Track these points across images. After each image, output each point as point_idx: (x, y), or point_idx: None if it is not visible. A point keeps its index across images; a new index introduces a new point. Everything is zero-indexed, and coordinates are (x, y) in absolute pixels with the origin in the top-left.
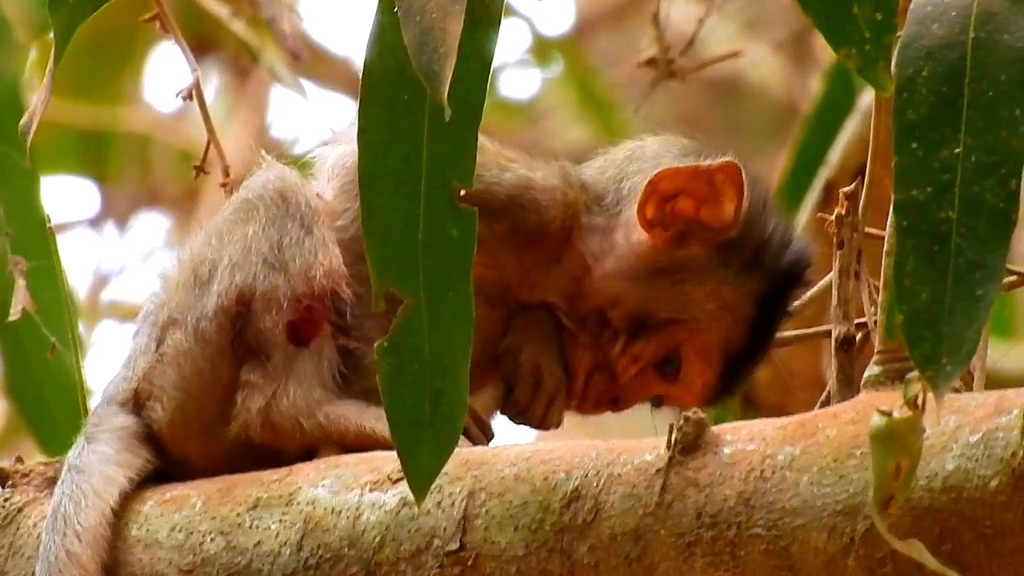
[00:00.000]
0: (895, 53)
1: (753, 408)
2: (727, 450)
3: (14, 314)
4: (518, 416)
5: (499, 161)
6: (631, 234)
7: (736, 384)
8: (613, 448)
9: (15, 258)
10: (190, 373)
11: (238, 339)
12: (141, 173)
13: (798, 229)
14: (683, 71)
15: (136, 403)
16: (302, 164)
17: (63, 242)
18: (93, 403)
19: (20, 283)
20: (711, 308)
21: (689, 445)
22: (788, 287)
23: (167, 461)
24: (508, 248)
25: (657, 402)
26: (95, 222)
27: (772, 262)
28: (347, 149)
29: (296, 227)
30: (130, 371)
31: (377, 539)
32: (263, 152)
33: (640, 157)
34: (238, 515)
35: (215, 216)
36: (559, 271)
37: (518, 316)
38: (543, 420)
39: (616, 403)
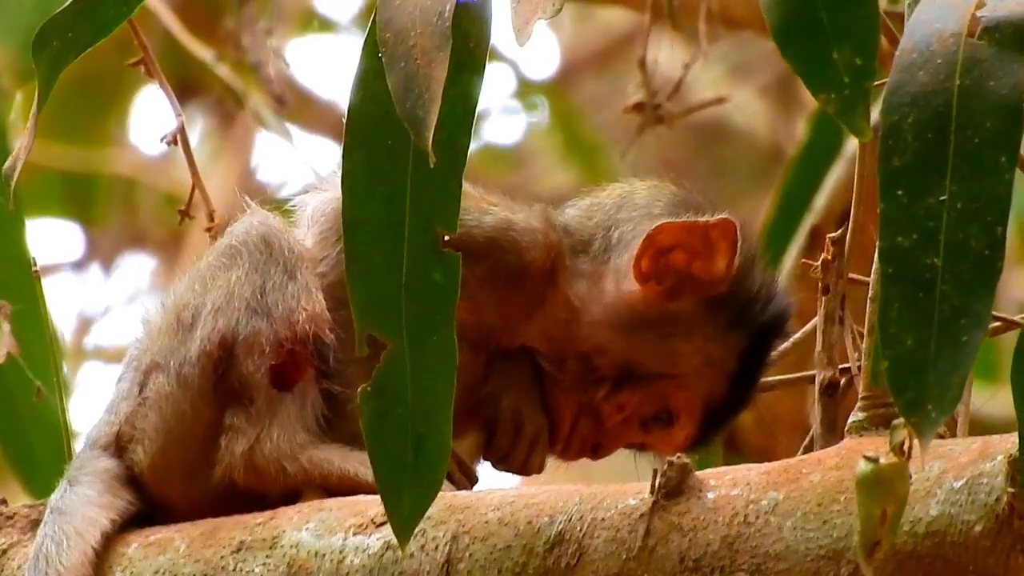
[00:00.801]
0: (878, 98)
1: (737, 452)
2: (711, 495)
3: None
4: (500, 462)
5: (480, 205)
6: (622, 284)
7: (716, 434)
8: (597, 493)
9: (0, 302)
10: (172, 417)
11: (221, 383)
12: (126, 216)
13: (781, 279)
14: (670, 116)
15: (118, 446)
16: (285, 210)
17: (48, 285)
18: (78, 445)
19: (5, 327)
20: (697, 364)
21: (673, 490)
22: (770, 339)
23: (150, 504)
24: (489, 291)
25: (638, 448)
26: (80, 264)
27: (757, 317)
28: (327, 196)
29: (279, 272)
30: (112, 415)
31: None
32: (246, 198)
33: (630, 205)
34: (222, 558)
35: (198, 261)
36: (542, 314)
37: (498, 362)
38: (524, 466)
39: (597, 450)
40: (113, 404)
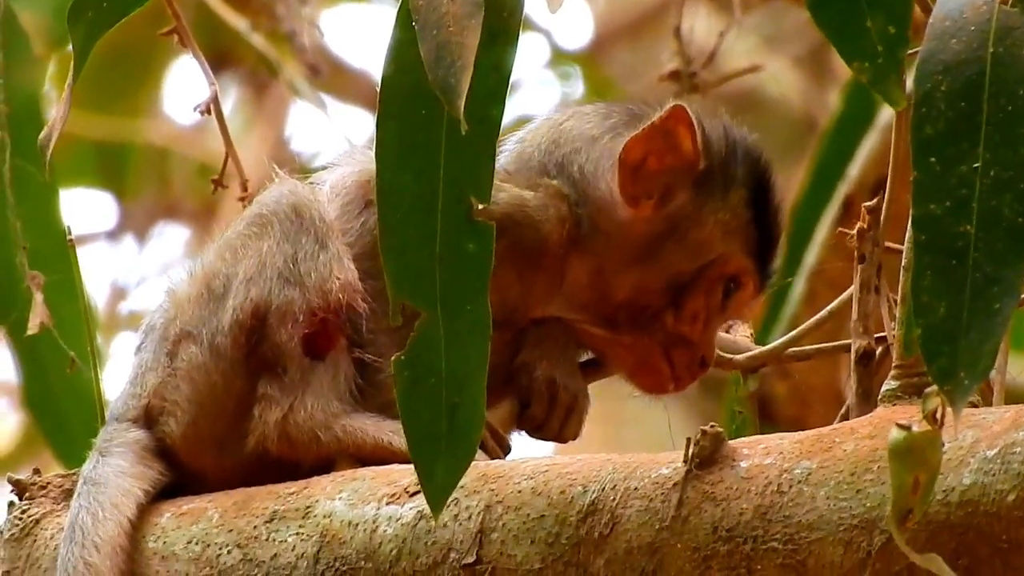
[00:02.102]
0: (912, 67)
1: (772, 422)
2: (744, 464)
3: (32, 328)
4: (535, 431)
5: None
6: (619, 217)
7: (774, 261)
8: (630, 462)
9: (32, 272)
10: (204, 387)
11: (253, 353)
12: (160, 186)
13: (735, 125)
14: (705, 84)
15: (148, 418)
16: (309, 183)
17: (82, 255)
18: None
19: (38, 297)
20: (721, 236)
21: (706, 459)
22: (761, 169)
23: (181, 475)
24: (508, 268)
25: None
26: (113, 235)
27: (739, 166)
28: (345, 171)
29: (311, 242)
30: (139, 387)
31: (394, 552)
32: (275, 167)
33: (567, 138)
34: (255, 528)
35: (227, 230)
36: (568, 288)
37: (531, 331)
38: (560, 433)
39: (704, 363)
40: (138, 376)
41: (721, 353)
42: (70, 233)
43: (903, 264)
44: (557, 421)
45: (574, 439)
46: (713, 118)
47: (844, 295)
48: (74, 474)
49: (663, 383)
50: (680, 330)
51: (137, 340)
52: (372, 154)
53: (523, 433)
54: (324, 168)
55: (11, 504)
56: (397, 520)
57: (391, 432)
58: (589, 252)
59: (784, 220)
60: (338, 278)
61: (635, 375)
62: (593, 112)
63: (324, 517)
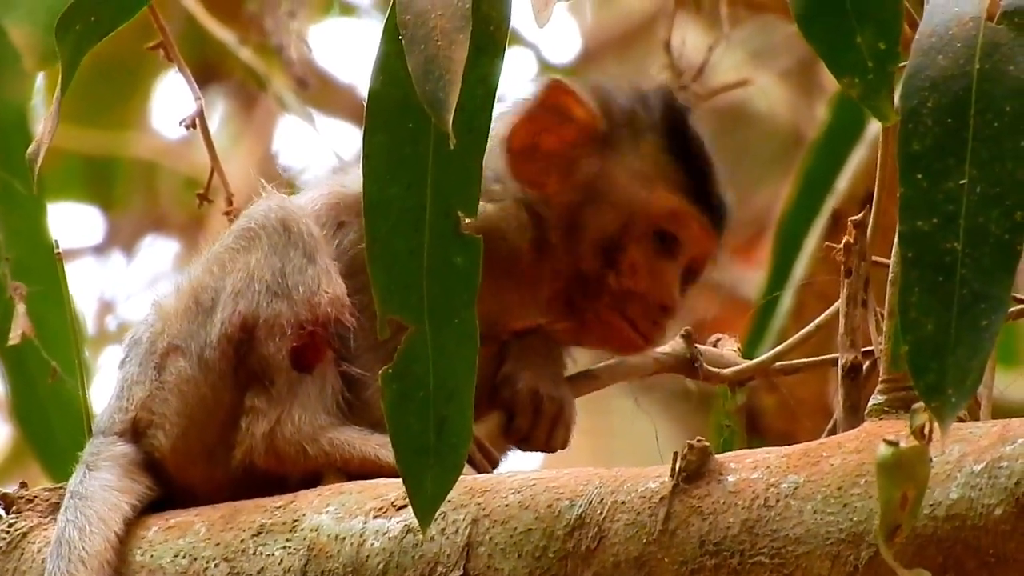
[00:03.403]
0: (899, 83)
1: (760, 436)
2: (731, 478)
3: (13, 338)
4: (522, 442)
5: None
6: (537, 200)
7: (717, 197)
8: (617, 476)
9: (15, 283)
10: (193, 400)
11: (241, 366)
12: (147, 200)
13: (637, 77)
14: (695, 98)
15: (135, 432)
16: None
17: (69, 269)
18: None
19: (20, 308)
20: (638, 186)
21: (693, 473)
22: (678, 117)
23: (167, 489)
24: (485, 282)
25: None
26: (101, 249)
27: (653, 115)
28: (314, 194)
29: (299, 255)
30: (125, 401)
31: (381, 566)
32: (263, 182)
33: (493, 142)
34: (242, 541)
35: (214, 244)
36: (543, 291)
37: (513, 344)
38: (548, 443)
39: (665, 310)
40: (124, 390)
41: (708, 367)
42: (57, 246)
43: (890, 279)
44: (543, 432)
45: (563, 448)
46: (613, 80)
47: (831, 309)
48: (61, 487)
49: (631, 341)
50: (625, 287)
51: (121, 354)
52: (340, 177)
53: (513, 447)
54: (293, 194)
55: None
56: (384, 534)
57: (378, 446)
58: (550, 248)
59: (711, 153)
60: (327, 292)
61: (608, 344)
62: (502, 108)
63: (311, 531)
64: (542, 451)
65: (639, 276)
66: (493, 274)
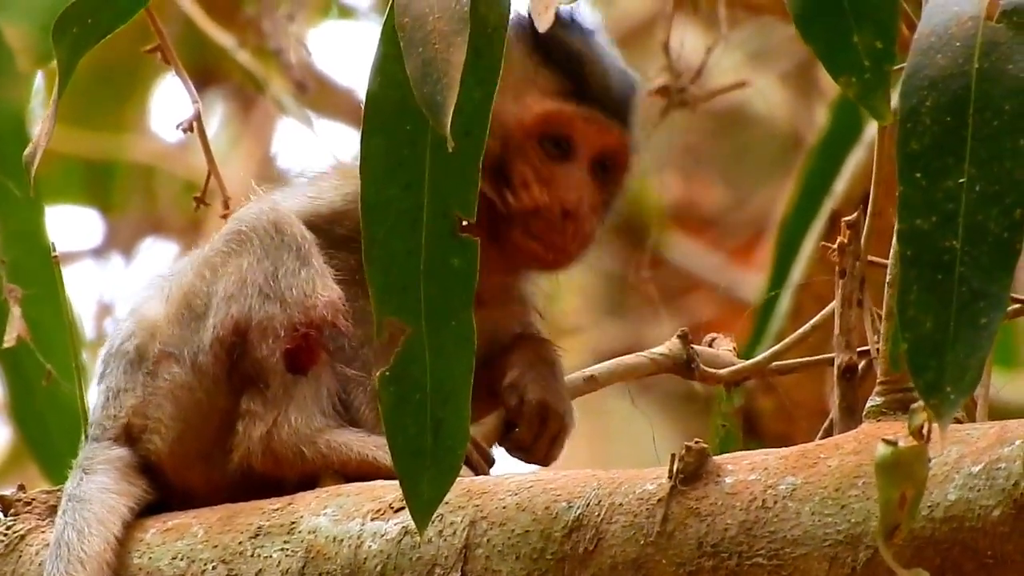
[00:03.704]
0: (897, 82)
1: (757, 438)
2: (729, 480)
3: (8, 341)
4: (519, 451)
5: None
6: None
7: (594, 82)
8: (615, 478)
9: (10, 286)
10: (189, 404)
11: (235, 369)
12: (146, 203)
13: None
14: (694, 100)
15: (128, 437)
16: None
17: (68, 272)
18: None
19: (15, 311)
20: (509, 101)
21: (691, 475)
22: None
23: (163, 492)
24: None
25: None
26: (100, 252)
27: (517, 30)
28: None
29: (291, 258)
30: (115, 409)
31: (379, 568)
32: (255, 184)
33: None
34: (240, 544)
35: (204, 249)
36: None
37: (518, 351)
38: (545, 458)
39: (568, 215)
40: (110, 400)
41: (705, 368)
42: (54, 249)
43: (888, 279)
44: (544, 446)
45: (554, 462)
46: None
47: (827, 309)
48: (59, 490)
49: (543, 258)
50: (523, 204)
51: (98, 369)
52: (304, 188)
53: (504, 450)
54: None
55: None
56: (382, 536)
57: (375, 447)
58: None
59: (593, 46)
60: (322, 295)
61: (533, 265)
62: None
63: (309, 533)
64: (538, 464)
65: (532, 190)
66: None
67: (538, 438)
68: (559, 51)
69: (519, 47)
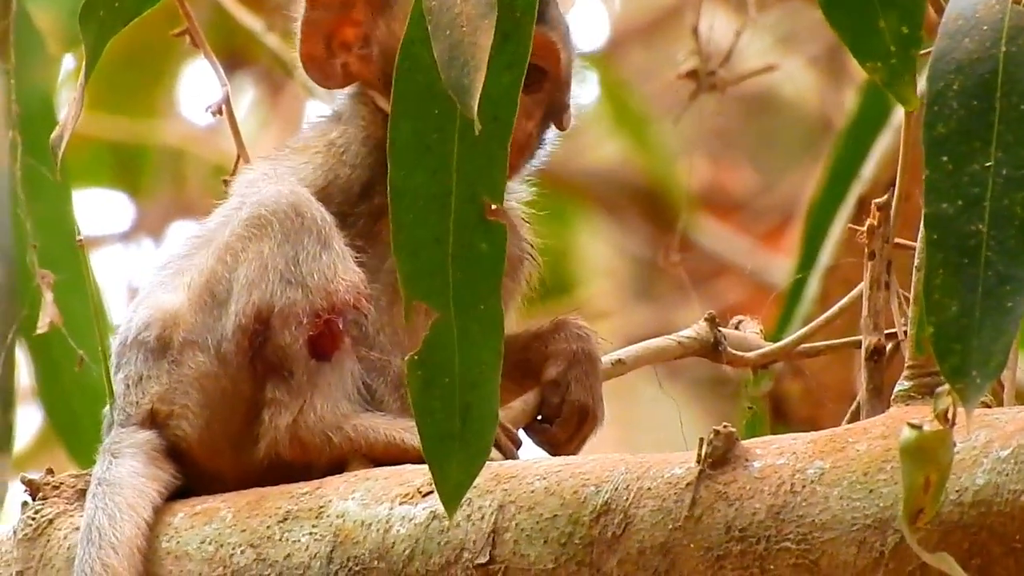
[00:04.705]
0: (925, 67)
1: (785, 422)
2: (757, 464)
3: (42, 327)
4: (548, 444)
5: None
6: (367, 99)
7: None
8: (643, 462)
9: (42, 271)
10: (214, 392)
11: (258, 357)
12: (175, 186)
13: None
14: (723, 83)
15: (153, 422)
16: None
17: (96, 256)
18: None
19: (47, 296)
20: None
21: (719, 459)
22: None
23: (191, 477)
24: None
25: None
26: (128, 236)
27: None
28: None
29: (312, 242)
30: (138, 395)
31: (407, 552)
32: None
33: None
34: (268, 528)
35: (224, 233)
36: None
37: (563, 339)
38: (572, 453)
39: (524, 149)
40: (131, 387)
41: (732, 351)
42: (79, 233)
43: (915, 264)
44: (576, 446)
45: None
46: None
47: (854, 292)
48: (87, 474)
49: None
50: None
51: (114, 360)
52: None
53: (531, 439)
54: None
55: (24, 504)
56: (410, 520)
57: (403, 430)
58: None
59: None
60: (344, 279)
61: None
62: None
63: (337, 517)
64: (562, 456)
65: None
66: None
67: (570, 439)
68: None
69: None
